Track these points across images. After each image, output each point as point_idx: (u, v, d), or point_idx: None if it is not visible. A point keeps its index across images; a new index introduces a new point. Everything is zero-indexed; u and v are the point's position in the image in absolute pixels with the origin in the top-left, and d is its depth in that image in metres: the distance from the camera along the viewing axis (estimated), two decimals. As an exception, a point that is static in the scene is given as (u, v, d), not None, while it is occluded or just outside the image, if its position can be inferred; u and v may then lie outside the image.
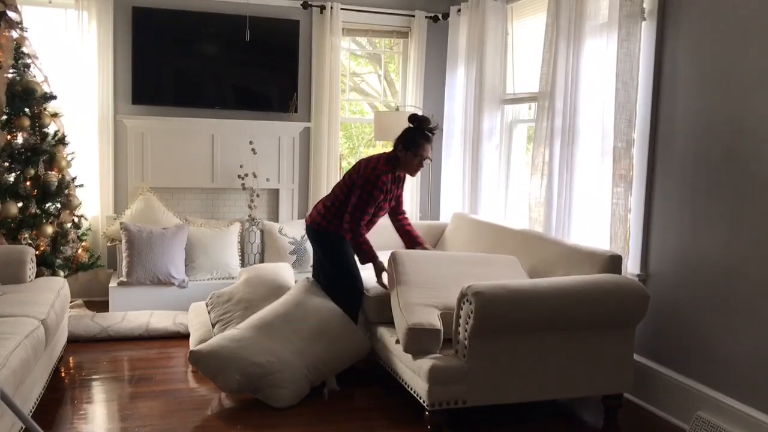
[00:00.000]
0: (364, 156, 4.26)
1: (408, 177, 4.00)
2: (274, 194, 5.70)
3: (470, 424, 3.26)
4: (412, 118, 3.79)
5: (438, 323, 3.11)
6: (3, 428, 2.49)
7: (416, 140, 3.72)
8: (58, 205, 4.73)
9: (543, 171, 4.16)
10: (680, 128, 3.33)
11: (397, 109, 5.57)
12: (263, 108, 5.62)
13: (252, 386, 3.35)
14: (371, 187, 3.67)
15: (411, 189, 5.96)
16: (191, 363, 3.42)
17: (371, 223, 3.85)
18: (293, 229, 5.41)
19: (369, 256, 3.72)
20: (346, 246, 3.84)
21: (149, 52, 5.28)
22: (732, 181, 3.03)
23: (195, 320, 4.22)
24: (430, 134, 3.76)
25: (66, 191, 4.72)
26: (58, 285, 3.73)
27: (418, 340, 3.07)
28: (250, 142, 5.42)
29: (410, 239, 4.06)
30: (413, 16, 5.84)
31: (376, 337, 3.70)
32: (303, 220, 5.56)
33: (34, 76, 4.68)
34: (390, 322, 3.48)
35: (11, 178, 4.52)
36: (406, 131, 3.78)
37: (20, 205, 4.50)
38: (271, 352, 3.41)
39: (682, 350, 3.31)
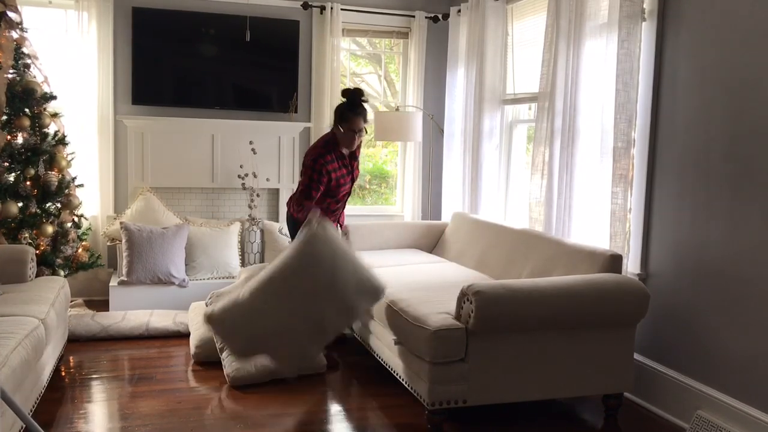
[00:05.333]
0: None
1: (362, 153, 4.20)
2: (274, 194, 5.71)
3: (470, 423, 3.26)
4: (344, 92, 3.91)
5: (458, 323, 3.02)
6: (3, 427, 2.49)
7: (345, 115, 3.85)
8: (58, 205, 4.73)
9: (543, 171, 4.16)
10: (680, 128, 3.34)
11: (398, 110, 5.57)
12: (263, 108, 5.62)
13: (260, 349, 3.31)
14: (310, 171, 3.78)
15: (412, 188, 5.97)
16: (206, 323, 3.40)
17: (337, 202, 3.98)
18: (293, 229, 5.42)
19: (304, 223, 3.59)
20: None
21: (149, 52, 5.28)
22: (732, 181, 3.03)
23: (195, 319, 4.22)
24: (359, 107, 3.86)
25: (66, 191, 4.72)
26: (59, 284, 3.73)
27: (446, 343, 2.95)
28: (250, 142, 5.42)
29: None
30: (413, 16, 5.85)
31: (374, 334, 3.71)
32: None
33: (34, 77, 4.68)
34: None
35: (11, 178, 4.52)
36: (339, 107, 3.90)
37: (20, 204, 4.50)
38: (277, 317, 3.26)
39: (682, 349, 3.31)
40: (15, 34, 4.57)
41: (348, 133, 3.86)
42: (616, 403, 3.31)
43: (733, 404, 3.00)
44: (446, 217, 5.67)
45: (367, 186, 6.63)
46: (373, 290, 3.40)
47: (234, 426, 3.15)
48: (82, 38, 5.11)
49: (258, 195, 5.43)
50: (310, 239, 3.35)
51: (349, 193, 4.09)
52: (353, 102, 3.85)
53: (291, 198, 4.05)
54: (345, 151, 3.95)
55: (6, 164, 4.49)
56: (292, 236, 3.95)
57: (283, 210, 5.67)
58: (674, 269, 3.37)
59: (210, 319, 3.32)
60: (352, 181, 4.07)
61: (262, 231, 5.42)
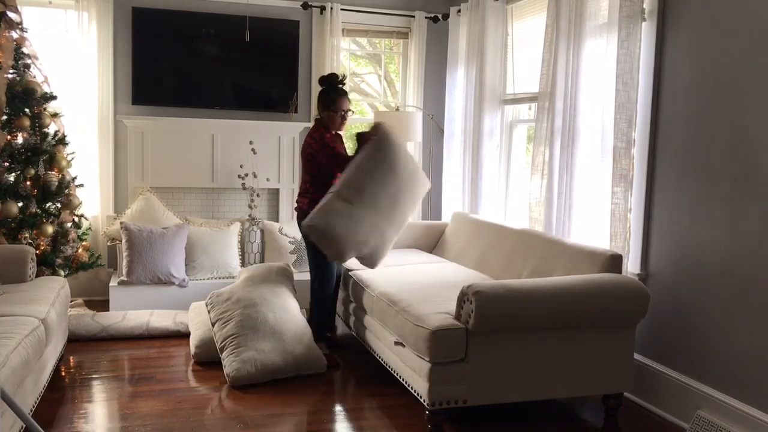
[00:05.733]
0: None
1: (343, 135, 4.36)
2: (274, 194, 5.71)
3: (470, 423, 3.26)
4: (321, 80, 4.11)
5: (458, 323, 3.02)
6: (3, 427, 2.49)
7: (332, 97, 4.04)
8: (58, 205, 4.73)
9: (543, 171, 4.16)
10: (680, 128, 3.34)
11: (398, 110, 5.57)
12: (263, 108, 5.62)
13: (354, 251, 3.73)
14: (329, 148, 3.98)
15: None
16: (306, 232, 3.73)
17: (332, 177, 4.05)
18: (293, 229, 5.41)
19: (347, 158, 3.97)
20: None
21: (149, 52, 5.28)
22: (732, 181, 3.03)
23: (195, 319, 4.23)
24: (341, 88, 4.07)
25: (66, 191, 4.72)
26: (59, 284, 3.73)
27: (446, 343, 2.95)
28: (250, 142, 5.42)
29: None
30: (413, 16, 5.85)
31: (373, 334, 3.71)
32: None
33: (34, 77, 4.68)
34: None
35: (11, 178, 4.52)
36: (321, 94, 4.08)
37: (20, 204, 4.50)
38: (372, 220, 3.71)
39: (682, 349, 3.31)
40: (15, 34, 4.57)
41: (338, 112, 4.05)
42: (616, 403, 3.31)
43: (733, 404, 3.00)
44: (446, 217, 5.67)
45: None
46: (422, 176, 4.04)
47: (234, 426, 3.15)
48: (82, 38, 5.11)
49: (258, 195, 5.43)
50: (383, 144, 3.85)
51: None
52: (333, 84, 4.06)
53: (300, 195, 4.12)
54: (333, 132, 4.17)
55: (6, 164, 4.49)
56: (303, 234, 4.04)
57: (283, 210, 5.68)
58: (674, 269, 3.37)
59: (317, 229, 3.65)
60: None
61: (262, 231, 5.42)
